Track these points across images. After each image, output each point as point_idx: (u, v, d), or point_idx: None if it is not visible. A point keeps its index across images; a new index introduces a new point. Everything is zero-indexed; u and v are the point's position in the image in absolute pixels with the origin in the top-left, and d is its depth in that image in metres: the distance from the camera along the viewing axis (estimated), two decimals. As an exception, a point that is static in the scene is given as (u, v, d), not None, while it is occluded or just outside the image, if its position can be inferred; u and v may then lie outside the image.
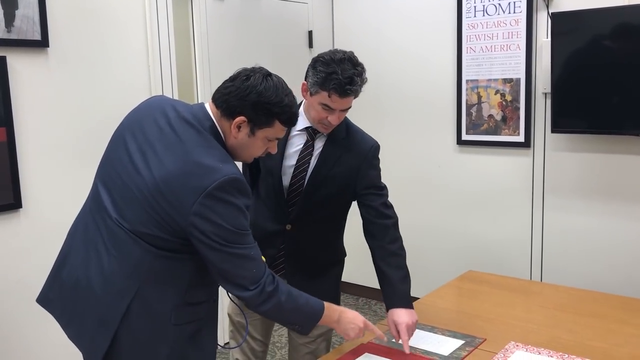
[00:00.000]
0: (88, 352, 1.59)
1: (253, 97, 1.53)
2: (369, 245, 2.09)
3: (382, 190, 2.12)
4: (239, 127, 1.56)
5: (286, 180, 1.99)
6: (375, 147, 2.12)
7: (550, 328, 2.07)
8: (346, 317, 1.77)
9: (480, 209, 3.80)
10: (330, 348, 2.23)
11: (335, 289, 2.19)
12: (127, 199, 1.52)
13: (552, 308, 2.26)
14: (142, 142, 1.54)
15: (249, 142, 1.59)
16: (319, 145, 2.01)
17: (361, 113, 4.24)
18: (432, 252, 4.04)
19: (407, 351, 1.84)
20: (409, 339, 1.88)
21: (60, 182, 2.71)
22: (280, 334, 3.68)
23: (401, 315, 1.90)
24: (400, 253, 2.06)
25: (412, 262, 4.13)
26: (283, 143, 1.98)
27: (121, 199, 1.54)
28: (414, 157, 4.03)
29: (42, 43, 2.61)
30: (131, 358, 1.55)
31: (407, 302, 1.95)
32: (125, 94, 2.91)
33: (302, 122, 1.99)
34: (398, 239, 2.08)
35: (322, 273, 2.11)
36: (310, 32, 4.13)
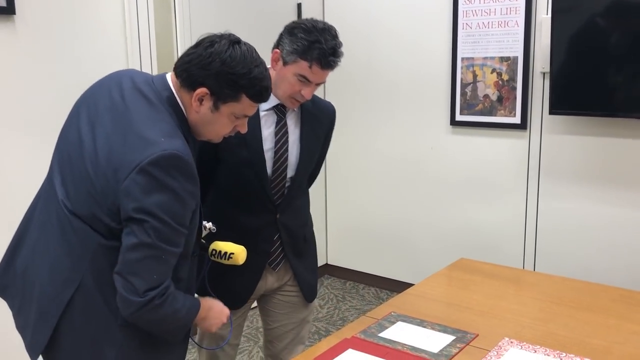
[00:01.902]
0: (29, 347, 1.46)
1: (216, 65, 1.36)
2: None
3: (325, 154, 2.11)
4: (200, 100, 1.39)
5: (268, 169, 1.84)
6: (335, 110, 2.05)
7: (545, 323, 1.95)
8: (214, 313, 1.60)
9: (473, 193, 3.67)
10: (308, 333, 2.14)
11: (317, 262, 2.11)
12: (73, 178, 1.38)
13: (547, 300, 2.14)
14: (93, 116, 1.38)
15: (212, 118, 1.42)
16: (291, 122, 1.86)
17: (350, 91, 4.10)
18: (422, 238, 3.92)
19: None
20: None
21: (26, 158, 2.54)
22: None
23: None
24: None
25: (402, 248, 4.05)
26: (258, 126, 1.81)
27: (68, 179, 1.39)
28: (405, 139, 3.89)
29: (8, 10, 2.43)
30: (73, 357, 1.41)
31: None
32: (100, 66, 2.73)
33: (269, 100, 1.80)
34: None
35: (308, 250, 2.04)
36: (299, 5, 3.94)
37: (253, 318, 3.64)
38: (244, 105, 1.42)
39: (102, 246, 1.35)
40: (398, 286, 3.81)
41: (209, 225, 1.65)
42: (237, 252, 1.66)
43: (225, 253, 1.66)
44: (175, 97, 1.40)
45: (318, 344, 1.81)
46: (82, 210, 1.35)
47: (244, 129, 1.50)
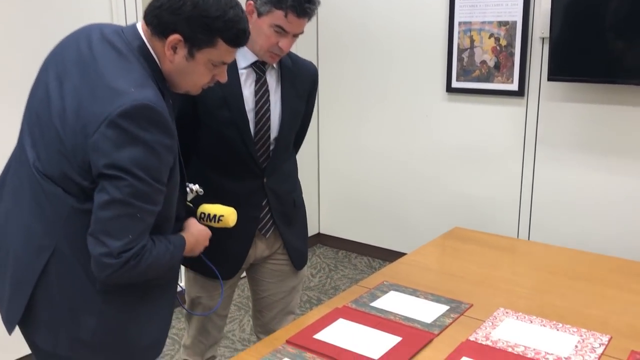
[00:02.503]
0: (5, 317, 1.40)
1: (187, 9, 1.26)
2: None
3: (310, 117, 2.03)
4: (174, 48, 1.30)
5: (250, 129, 1.76)
6: (317, 69, 1.97)
7: (541, 293, 1.90)
8: (201, 241, 1.52)
9: (468, 162, 3.61)
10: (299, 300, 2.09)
11: (307, 229, 2.05)
12: (43, 139, 1.29)
13: (543, 270, 2.09)
14: (61, 72, 1.30)
15: (188, 67, 1.33)
16: (271, 80, 1.78)
17: (343, 55, 3.99)
18: (416, 207, 3.86)
19: None
20: None
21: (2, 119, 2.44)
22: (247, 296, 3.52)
23: None
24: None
25: (396, 217, 4.00)
26: (238, 84, 1.73)
27: (38, 140, 1.31)
28: (399, 106, 3.80)
29: (-15, -36, 2.31)
30: (52, 328, 1.35)
31: None
32: (81, 17, 2.61)
33: (245, 57, 1.74)
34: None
35: (298, 216, 1.97)
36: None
37: (244, 287, 3.60)
38: (221, 51, 1.33)
39: (76, 210, 1.28)
40: (391, 256, 3.77)
41: (195, 187, 1.57)
42: (227, 213, 1.59)
43: (215, 216, 1.58)
44: (146, 46, 1.31)
45: (309, 313, 1.75)
46: (53, 171, 1.27)
47: (223, 78, 1.41)
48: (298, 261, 1.96)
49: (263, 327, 2.04)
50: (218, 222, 1.59)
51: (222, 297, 1.87)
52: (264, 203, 1.82)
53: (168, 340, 3.03)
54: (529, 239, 3.44)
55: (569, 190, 3.27)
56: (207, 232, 1.54)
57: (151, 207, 1.26)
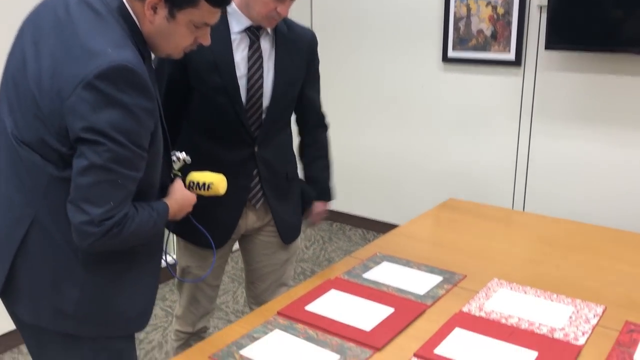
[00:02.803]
0: None
1: None
2: (301, 144, 2.01)
3: (319, 85, 1.98)
4: (154, 8, 1.24)
5: (242, 96, 1.71)
6: (315, 35, 1.90)
7: (536, 264, 1.88)
8: (184, 206, 1.48)
9: (464, 133, 3.57)
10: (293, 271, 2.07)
11: (300, 204, 2.01)
12: (20, 104, 1.25)
13: (538, 241, 2.07)
14: (37, 35, 1.24)
15: (169, 28, 1.28)
16: (265, 46, 1.73)
17: (337, 24, 3.92)
18: (411, 178, 3.83)
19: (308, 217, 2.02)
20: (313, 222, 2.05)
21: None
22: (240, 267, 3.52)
23: (318, 206, 2.02)
24: (329, 157, 2.06)
25: (390, 188, 3.97)
26: (229, 49, 1.67)
27: (15, 106, 1.26)
28: (395, 76, 3.74)
29: None
30: (33, 299, 1.32)
31: (327, 196, 2.04)
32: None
33: (239, 22, 1.68)
34: (328, 142, 2.05)
35: (289, 189, 1.92)
36: None
37: (238, 259, 3.58)
38: (203, 12, 1.27)
39: (55, 178, 1.24)
40: (385, 228, 3.75)
41: (182, 155, 1.53)
42: (217, 181, 1.55)
43: (204, 184, 1.54)
44: (125, 7, 1.25)
45: (301, 285, 1.73)
46: (30, 137, 1.23)
47: (206, 40, 1.35)
48: (287, 235, 1.92)
49: (256, 298, 2.02)
50: (208, 190, 1.55)
51: (214, 263, 1.84)
52: (254, 172, 1.78)
53: (161, 312, 3.02)
54: (524, 210, 3.43)
55: (565, 161, 3.25)
56: (192, 198, 1.50)
57: (132, 173, 1.22)
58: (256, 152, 1.76)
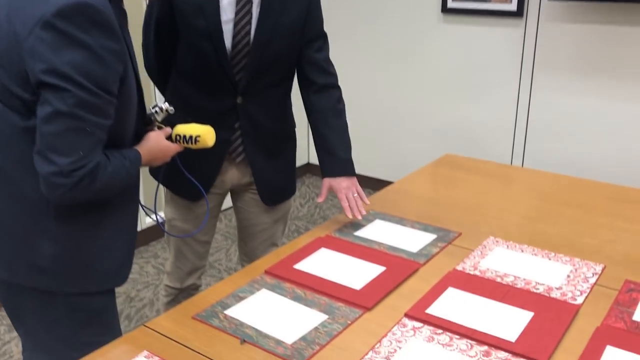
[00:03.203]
0: None
1: None
2: (309, 107, 1.79)
3: (326, 40, 1.79)
4: None
5: (226, 42, 1.61)
6: None
7: (533, 221, 1.82)
8: (157, 155, 1.41)
9: (463, 87, 3.46)
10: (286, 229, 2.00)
11: (293, 167, 1.91)
12: None
13: (536, 198, 2.01)
14: None
15: None
16: None
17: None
18: (407, 134, 3.75)
19: (350, 215, 1.71)
20: (347, 206, 1.72)
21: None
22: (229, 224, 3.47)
23: (341, 182, 1.73)
24: (344, 115, 1.80)
25: (385, 144, 3.88)
26: None
27: None
28: (392, 28, 3.61)
29: None
30: (6, 255, 1.27)
31: (352, 170, 1.76)
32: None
33: None
34: (341, 98, 1.81)
35: (280, 148, 1.81)
36: None
37: (231, 216, 3.53)
38: None
39: (20, 129, 1.16)
40: (381, 185, 3.68)
41: (165, 106, 1.45)
42: (204, 133, 1.47)
43: (191, 137, 1.46)
44: None
45: (290, 243, 1.67)
46: None
47: None
48: (269, 197, 1.83)
49: (248, 255, 1.97)
50: (195, 143, 1.47)
51: (207, 218, 1.79)
52: (236, 125, 1.70)
53: (153, 270, 2.98)
54: (522, 166, 3.36)
55: (566, 116, 3.16)
56: (170, 149, 1.43)
57: (101, 120, 1.15)
58: (238, 103, 1.67)
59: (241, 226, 1.93)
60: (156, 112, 1.45)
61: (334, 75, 1.80)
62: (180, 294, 1.94)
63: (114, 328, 1.46)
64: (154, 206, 1.77)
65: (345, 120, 1.80)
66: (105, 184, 1.18)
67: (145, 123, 1.48)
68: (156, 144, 1.38)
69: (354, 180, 1.77)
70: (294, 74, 1.78)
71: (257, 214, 1.86)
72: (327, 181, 1.75)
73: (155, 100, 3.06)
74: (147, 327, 1.30)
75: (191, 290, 1.95)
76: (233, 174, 1.78)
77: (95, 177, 1.15)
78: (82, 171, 1.13)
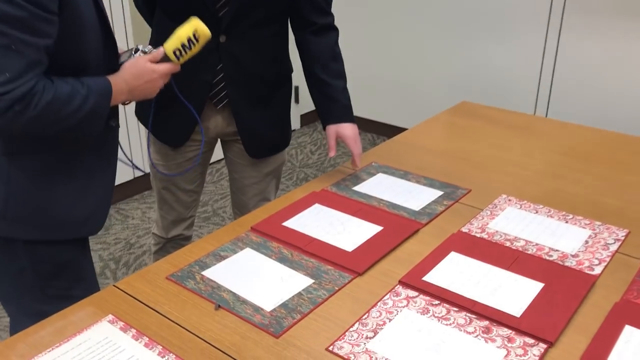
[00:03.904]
0: None
1: None
2: (305, 49, 1.63)
3: None
4: None
5: None
6: None
7: (552, 178, 1.66)
8: (139, 82, 1.25)
9: (485, 29, 3.22)
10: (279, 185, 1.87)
11: (286, 117, 1.75)
12: None
13: (558, 152, 1.83)
14: None
15: None
16: None
17: None
18: (425, 80, 3.54)
19: (358, 165, 1.65)
20: (359, 152, 1.64)
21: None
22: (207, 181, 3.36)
23: (346, 129, 1.61)
24: (341, 58, 1.67)
25: (403, 90, 3.68)
26: None
27: None
28: (413, -37, 3.35)
29: None
30: None
31: (352, 116, 1.65)
32: None
33: None
34: (337, 40, 1.68)
35: (271, 96, 1.65)
36: None
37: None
38: None
39: None
40: (396, 132, 3.51)
41: (148, 48, 1.30)
42: (195, 25, 1.27)
43: (190, 39, 1.29)
44: None
45: (283, 197, 1.54)
46: None
47: None
48: (255, 148, 1.68)
49: (239, 209, 1.84)
50: (197, 41, 1.30)
51: (199, 157, 1.66)
52: (218, 67, 1.54)
53: (147, 217, 2.90)
54: (546, 116, 3.15)
55: (597, 62, 2.92)
56: (151, 70, 1.26)
57: (32, 38, 1.01)
58: (221, 42, 1.50)
59: (231, 178, 1.80)
60: (135, 53, 1.30)
61: (332, 15, 1.63)
62: (168, 243, 1.84)
63: (87, 280, 1.36)
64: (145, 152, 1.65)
65: (343, 65, 1.65)
66: (48, 113, 1.05)
67: None
68: (135, 69, 1.23)
69: (357, 127, 1.64)
70: (287, 13, 1.60)
71: (245, 166, 1.72)
72: (333, 128, 1.62)
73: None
74: (116, 287, 1.19)
75: (180, 241, 1.85)
76: (217, 122, 1.64)
77: (28, 104, 1.02)
78: (9, 96, 0.99)
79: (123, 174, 2.86)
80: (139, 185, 3.09)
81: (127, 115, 2.85)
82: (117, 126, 1.31)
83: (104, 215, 1.32)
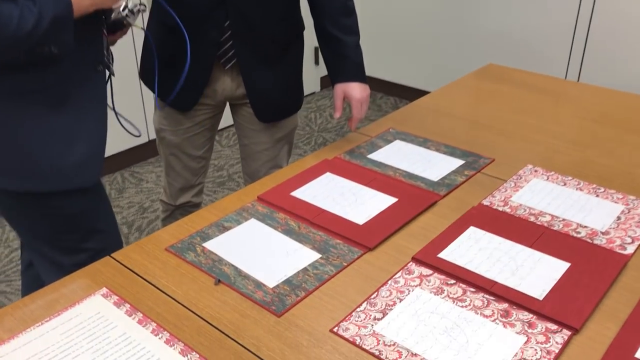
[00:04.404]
0: None
1: None
2: (313, 3, 1.54)
3: None
4: None
5: None
6: None
7: (583, 148, 1.54)
8: None
9: (517, -13, 3.04)
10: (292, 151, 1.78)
11: (298, 77, 1.65)
12: None
13: (590, 119, 1.71)
14: None
15: None
16: None
17: None
18: (451, 42, 3.38)
19: (353, 129, 1.58)
20: (360, 117, 1.56)
21: None
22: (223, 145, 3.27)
23: (355, 89, 1.52)
24: (354, 12, 1.55)
25: (428, 52, 3.53)
26: None
27: None
28: None
29: None
30: None
31: (363, 75, 1.56)
32: None
33: None
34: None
35: (282, 56, 1.55)
36: None
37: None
38: None
39: None
40: (418, 94, 3.39)
41: (130, 4, 1.20)
42: None
43: None
44: None
45: (295, 164, 1.46)
46: None
47: None
48: (264, 112, 1.59)
49: (250, 177, 1.77)
50: None
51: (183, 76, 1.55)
52: (225, 25, 1.44)
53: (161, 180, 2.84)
54: (578, 80, 2.98)
55: (635, 23, 2.73)
56: None
57: None
58: None
59: (241, 144, 1.72)
60: (127, 15, 1.21)
61: None
62: (176, 211, 1.78)
63: (104, 233, 1.31)
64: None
65: (357, 21, 1.54)
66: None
67: (119, 28, 1.27)
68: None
69: (367, 89, 1.55)
70: None
71: (255, 132, 1.64)
72: (340, 87, 1.53)
73: None
74: (113, 258, 1.13)
75: (189, 208, 1.79)
76: (225, 84, 1.55)
77: None
78: None
79: (137, 137, 2.80)
80: (153, 148, 3.03)
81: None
82: (105, 72, 1.23)
83: (96, 166, 1.24)
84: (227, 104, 1.66)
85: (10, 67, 1.07)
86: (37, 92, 1.11)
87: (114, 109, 1.31)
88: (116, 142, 2.61)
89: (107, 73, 1.26)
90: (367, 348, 0.91)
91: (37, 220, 1.24)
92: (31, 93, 1.11)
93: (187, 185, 1.73)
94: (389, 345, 0.91)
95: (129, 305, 1.00)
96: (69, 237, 1.27)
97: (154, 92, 1.54)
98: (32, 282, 1.52)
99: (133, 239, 2.43)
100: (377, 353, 0.90)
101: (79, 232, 1.27)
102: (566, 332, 0.93)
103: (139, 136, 1.42)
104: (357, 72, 1.53)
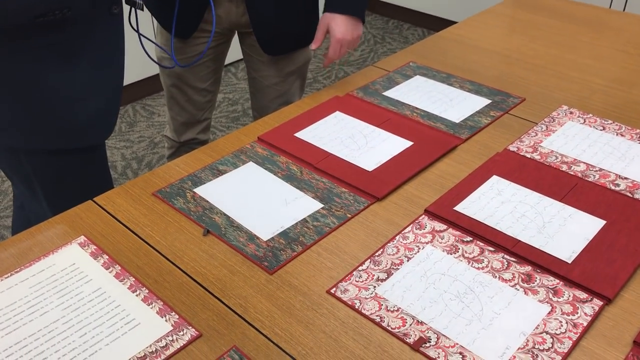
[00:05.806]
0: None
1: None
2: None
3: None
4: None
5: None
6: None
7: (626, 86, 1.37)
8: None
9: None
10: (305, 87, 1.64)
11: (311, 6, 1.46)
12: None
13: (636, 54, 1.52)
14: None
15: None
16: None
17: None
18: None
19: (325, 66, 1.39)
20: (340, 56, 1.35)
21: None
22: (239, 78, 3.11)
23: (340, 25, 1.30)
24: None
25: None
26: None
27: None
28: None
29: None
30: None
31: (358, 9, 1.31)
32: None
33: None
34: None
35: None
36: None
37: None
38: None
39: None
40: (443, 24, 3.16)
41: None
42: None
43: None
44: None
45: (303, 100, 1.33)
46: None
47: None
48: (270, 44, 1.44)
49: (259, 112, 1.64)
50: None
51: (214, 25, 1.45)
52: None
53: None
54: (624, 10, 2.73)
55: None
56: None
57: None
58: None
59: (250, 77, 1.58)
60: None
61: None
62: (181, 148, 1.68)
63: (100, 191, 1.22)
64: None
65: None
66: None
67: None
68: None
69: (358, 28, 1.34)
70: None
71: (264, 64, 1.50)
72: (326, 18, 1.33)
73: None
74: (95, 202, 1.03)
75: (195, 145, 1.68)
76: (228, 9, 1.39)
77: None
78: None
79: (149, 67, 2.67)
80: (167, 80, 2.90)
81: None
82: (120, 14, 1.10)
83: (112, 123, 1.14)
84: (236, 33, 1.52)
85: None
86: (52, 45, 0.99)
87: (144, 48, 1.19)
88: (128, 73, 2.50)
89: (129, 8, 1.13)
90: (367, 313, 0.81)
91: (30, 176, 1.15)
92: (47, 47, 0.98)
93: (192, 121, 1.62)
94: (392, 311, 0.81)
95: (107, 257, 0.90)
96: (63, 194, 1.17)
97: (154, 16, 1.41)
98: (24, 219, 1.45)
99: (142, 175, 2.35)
100: (377, 319, 0.80)
101: (73, 190, 1.17)
102: (597, 302, 0.81)
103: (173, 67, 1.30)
104: (348, 4, 1.31)
